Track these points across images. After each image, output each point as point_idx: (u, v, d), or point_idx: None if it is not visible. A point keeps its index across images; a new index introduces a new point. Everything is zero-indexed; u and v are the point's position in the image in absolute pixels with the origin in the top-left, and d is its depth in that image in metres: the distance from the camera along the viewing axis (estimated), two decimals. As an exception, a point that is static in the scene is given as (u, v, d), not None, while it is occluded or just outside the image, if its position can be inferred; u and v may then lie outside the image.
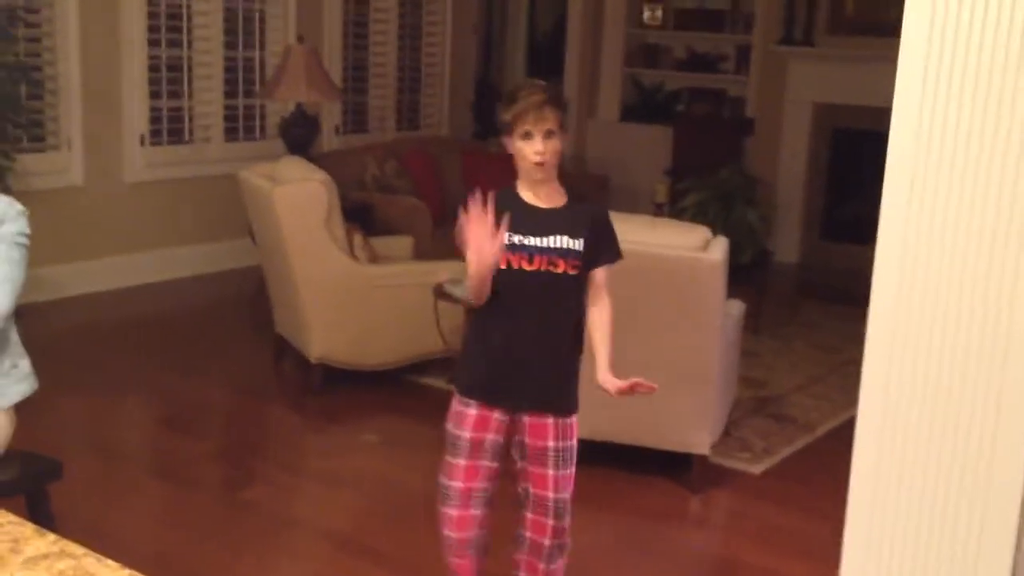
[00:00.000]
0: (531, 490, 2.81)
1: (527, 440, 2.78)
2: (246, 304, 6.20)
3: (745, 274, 5.38)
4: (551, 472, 2.78)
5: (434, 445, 4.56)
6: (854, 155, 7.68)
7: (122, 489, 3.93)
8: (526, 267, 2.67)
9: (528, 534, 2.85)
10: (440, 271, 4.89)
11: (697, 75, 8.73)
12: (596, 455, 4.17)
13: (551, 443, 2.77)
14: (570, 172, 6.30)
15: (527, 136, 2.64)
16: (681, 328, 3.82)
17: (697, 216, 5.61)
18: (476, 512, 2.81)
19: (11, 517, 1.75)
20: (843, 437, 4.72)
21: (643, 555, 3.61)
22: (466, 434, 2.76)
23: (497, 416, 2.76)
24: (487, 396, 2.76)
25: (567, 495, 2.82)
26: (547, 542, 2.83)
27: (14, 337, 2.69)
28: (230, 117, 6.87)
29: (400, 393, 4.93)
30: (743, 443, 4.48)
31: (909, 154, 2.29)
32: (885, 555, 2.38)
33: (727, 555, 3.69)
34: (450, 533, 2.84)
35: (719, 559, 3.70)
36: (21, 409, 2.82)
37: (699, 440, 4.01)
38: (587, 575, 3.38)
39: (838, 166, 7.78)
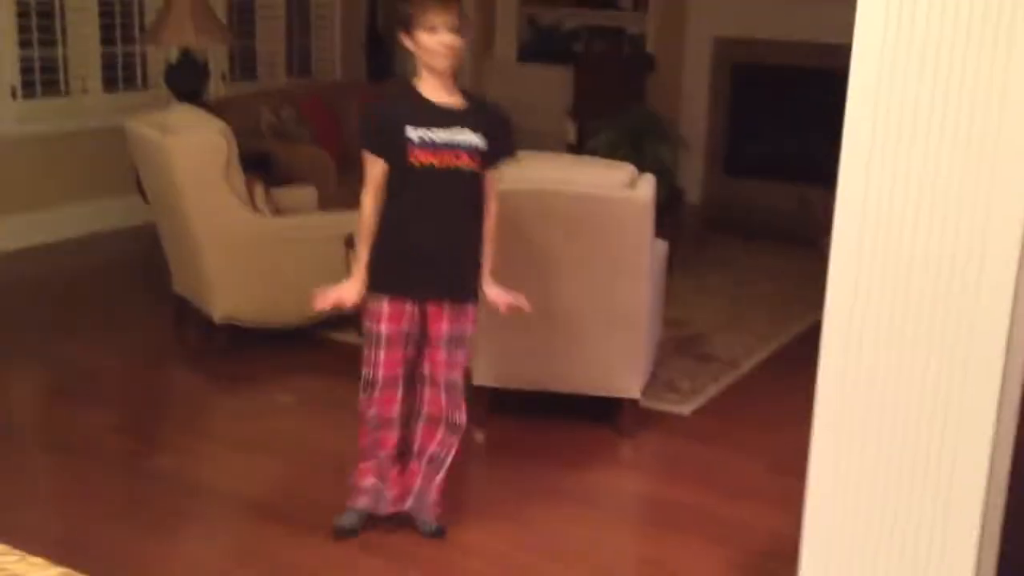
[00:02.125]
0: (427, 371, 3.06)
1: (429, 326, 3.01)
2: (138, 265, 5.86)
3: (658, 214, 5.26)
4: (444, 354, 3.02)
5: (351, 402, 4.39)
6: (755, 90, 7.64)
7: (16, 467, 3.63)
8: (434, 163, 2.84)
9: (426, 408, 3.10)
10: (349, 221, 4.64)
11: (595, 12, 8.56)
12: (524, 404, 4.05)
13: (446, 326, 3.00)
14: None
15: (433, 29, 2.81)
16: (611, 270, 3.68)
17: (609, 155, 5.46)
18: (398, 393, 3.05)
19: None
20: (768, 372, 4.70)
21: (579, 502, 3.50)
22: (383, 328, 2.98)
23: (408, 307, 2.97)
24: (397, 289, 2.96)
25: (459, 376, 3.08)
26: (443, 414, 3.09)
27: None
28: (109, 66, 6.44)
29: (313, 351, 4.70)
30: (670, 384, 4.40)
31: (871, 94, 2.17)
32: (852, 480, 2.30)
33: (663, 497, 3.61)
34: (377, 413, 3.06)
35: (655, 501, 3.62)
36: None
37: (630, 384, 3.90)
38: (525, 525, 3.28)
39: (739, 102, 7.73)
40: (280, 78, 7.49)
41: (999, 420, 2.18)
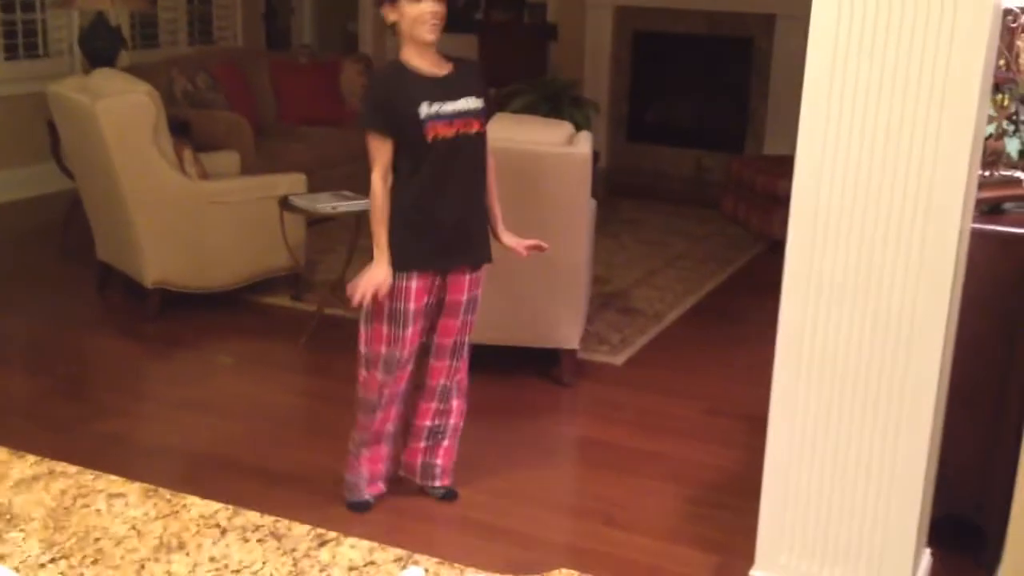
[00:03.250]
0: (438, 340, 3.02)
1: (450, 296, 2.96)
2: (55, 233, 5.73)
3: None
4: (461, 320, 3.01)
5: (292, 363, 4.43)
6: (654, 57, 7.86)
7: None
8: (447, 134, 2.79)
9: (430, 381, 3.08)
10: (280, 184, 4.69)
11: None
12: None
13: (466, 293, 2.98)
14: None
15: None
16: (554, 225, 3.80)
17: (527, 119, 5.60)
18: (411, 366, 3.01)
19: (-26, 443, 1.55)
20: (689, 323, 4.93)
21: (526, 449, 3.63)
22: (411, 306, 2.89)
23: (432, 279, 2.92)
24: (427, 265, 2.89)
25: (466, 338, 3.07)
26: (441, 381, 3.08)
27: None
28: (8, 34, 6.26)
29: (246, 314, 4.72)
30: (600, 337, 4.57)
31: (826, 58, 2.29)
32: (809, 414, 2.48)
33: (610, 441, 3.76)
34: (391, 391, 2.99)
35: (603, 445, 3.77)
36: None
37: (570, 336, 4.05)
38: (473, 476, 3.36)
39: (640, 69, 7.94)
40: (182, 45, 7.38)
41: (944, 356, 2.37)
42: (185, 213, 4.52)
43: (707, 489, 3.38)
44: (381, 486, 3.17)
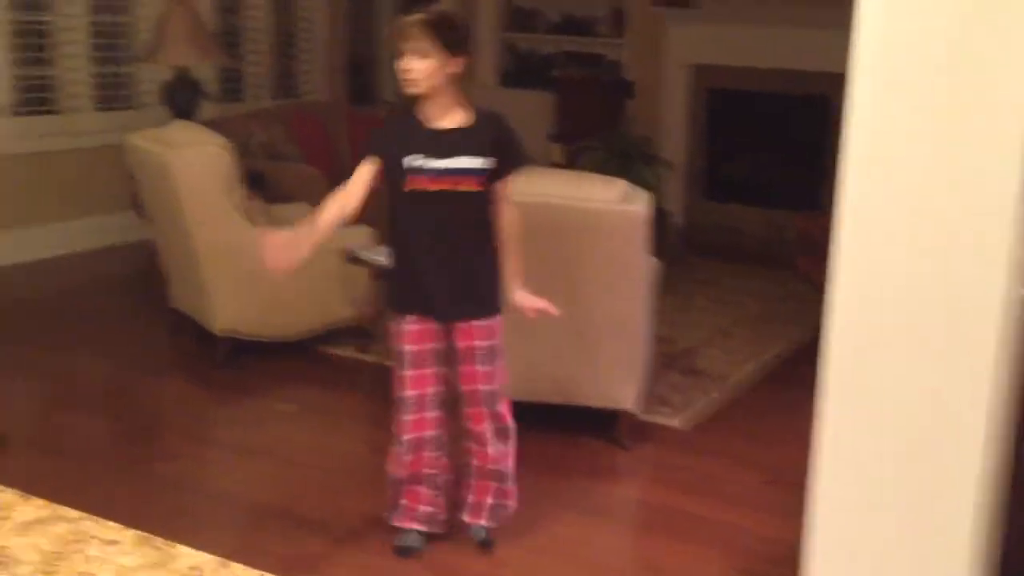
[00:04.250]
0: (463, 387, 3.03)
1: (457, 343, 2.99)
2: (132, 281, 5.90)
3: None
4: (479, 367, 3.00)
5: (354, 413, 4.45)
6: (732, 116, 7.82)
7: (25, 473, 3.65)
8: (429, 188, 2.81)
9: (469, 425, 3.07)
10: (347, 236, 4.74)
11: (572, 38, 8.73)
12: (520, 417, 4.12)
13: (476, 343, 2.98)
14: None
15: (400, 54, 2.77)
16: (608, 282, 3.78)
17: (597, 175, 5.59)
18: (430, 414, 3.02)
19: (-13, 485, 1.58)
20: (756, 387, 4.82)
21: (574, 508, 3.58)
22: (406, 347, 2.96)
23: (430, 325, 2.95)
24: (417, 309, 2.94)
25: (496, 387, 3.05)
26: (487, 427, 3.06)
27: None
28: (100, 85, 6.50)
29: (311, 364, 4.77)
30: (661, 398, 4.50)
31: (868, 117, 2.27)
32: (854, 485, 2.40)
33: (664, 505, 3.69)
34: (408, 436, 3.02)
35: (657, 509, 3.70)
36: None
37: (626, 396, 3.99)
38: (526, 537, 3.32)
39: (717, 127, 7.90)
40: (265, 99, 7.57)
41: (990, 428, 2.28)
42: (254, 263, 4.57)
43: (760, 561, 3.28)
44: (422, 525, 3.15)
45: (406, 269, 2.95)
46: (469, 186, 2.85)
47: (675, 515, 3.58)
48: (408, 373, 2.98)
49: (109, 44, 6.50)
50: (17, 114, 6.05)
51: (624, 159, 5.86)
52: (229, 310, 4.57)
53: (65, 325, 5.25)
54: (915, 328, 2.29)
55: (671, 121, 7.93)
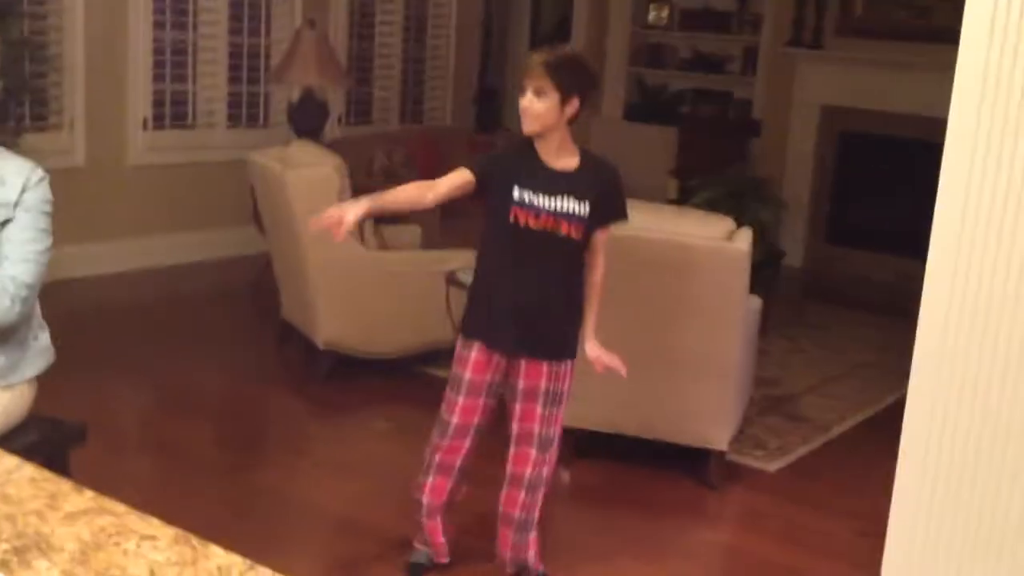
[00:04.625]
0: (517, 425, 2.97)
1: (521, 380, 2.93)
2: (249, 291, 6.10)
3: (755, 272, 5.31)
4: (539, 409, 2.94)
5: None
6: (860, 159, 7.63)
7: (126, 470, 3.81)
8: (531, 224, 2.80)
9: (511, 467, 3.02)
10: (451, 259, 4.80)
11: (702, 76, 8.68)
12: (610, 448, 4.11)
13: (543, 383, 2.93)
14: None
15: (521, 91, 2.78)
16: (704, 319, 3.74)
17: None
18: (466, 443, 3.01)
19: (46, 474, 1.66)
20: (858, 438, 4.68)
21: (664, 550, 3.53)
22: (466, 375, 2.94)
23: (496, 358, 2.92)
24: (487, 339, 2.91)
25: (553, 432, 2.98)
26: (528, 471, 2.99)
27: (37, 309, 2.59)
28: (234, 103, 6.77)
29: (409, 383, 4.83)
30: (757, 441, 4.40)
31: (964, 163, 2.20)
32: (930, 543, 2.31)
33: (750, 551, 3.61)
34: (441, 458, 3.03)
35: (743, 555, 3.62)
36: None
37: (717, 435, 3.93)
38: (585, 562, 3.31)
39: (844, 170, 7.73)
40: (393, 123, 7.75)
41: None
42: (360, 281, 4.71)
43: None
44: (428, 550, 3.16)
45: (485, 296, 2.94)
46: (568, 231, 2.82)
47: (755, 561, 3.50)
48: (460, 400, 2.96)
49: (244, 65, 6.77)
50: (155, 127, 6.34)
51: (739, 198, 5.78)
52: (333, 325, 4.68)
53: (183, 330, 5.46)
54: (1001, 384, 2.20)
55: (796, 162, 7.80)
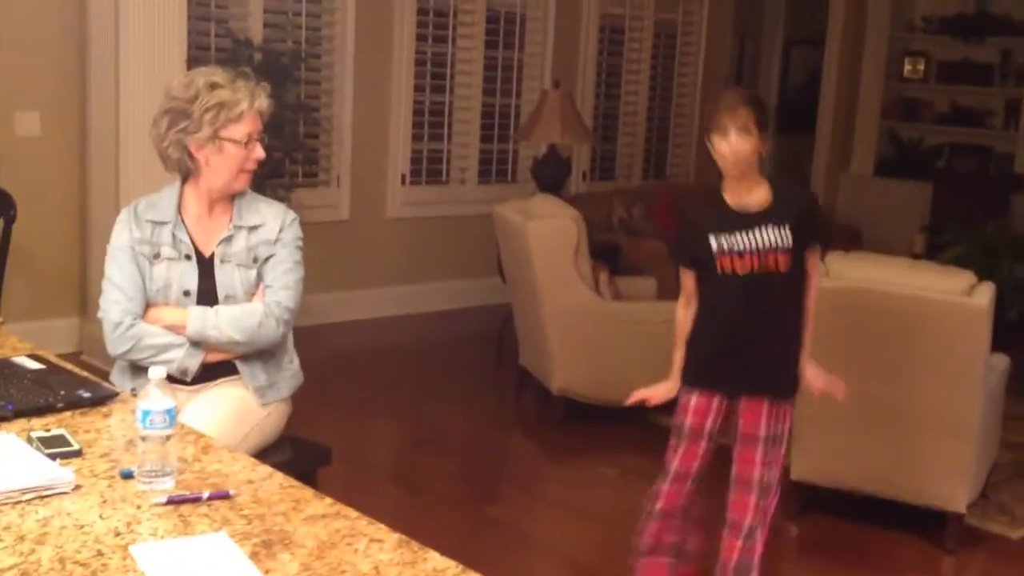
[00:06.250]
0: (737, 470, 2.95)
1: (740, 422, 2.93)
2: (492, 338, 6.38)
3: (1010, 332, 5.08)
4: (760, 452, 2.92)
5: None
6: None
7: (367, 494, 4.10)
8: (738, 269, 2.83)
9: (729, 514, 2.98)
10: (685, 311, 4.89)
11: (959, 129, 8.38)
12: (842, 505, 4.04)
13: (763, 422, 2.91)
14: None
15: (723, 132, 2.75)
16: (940, 375, 3.65)
17: (957, 269, 5.35)
18: (687, 487, 3.02)
19: (292, 481, 1.90)
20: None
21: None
22: (687, 420, 2.99)
23: (716, 401, 2.95)
24: (708, 383, 2.95)
25: (774, 475, 2.95)
26: (748, 520, 2.95)
27: (290, 335, 2.91)
28: (485, 160, 7.16)
29: (638, 431, 4.92)
30: (1001, 507, 4.20)
31: None
32: None
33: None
34: (659, 505, 3.05)
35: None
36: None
37: (955, 497, 3.80)
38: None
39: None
40: (635, 179, 7.93)
41: None
42: (594, 329, 4.88)
43: None
44: None
45: (703, 341, 2.98)
46: (776, 266, 2.83)
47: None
48: (681, 446, 3.01)
49: (495, 124, 7.15)
50: (411, 183, 6.81)
51: (993, 255, 5.55)
52: (566, 371, 4.86)
53: (430, 373, 5.82)
54: None
55: (1061, 218, 7.37)
